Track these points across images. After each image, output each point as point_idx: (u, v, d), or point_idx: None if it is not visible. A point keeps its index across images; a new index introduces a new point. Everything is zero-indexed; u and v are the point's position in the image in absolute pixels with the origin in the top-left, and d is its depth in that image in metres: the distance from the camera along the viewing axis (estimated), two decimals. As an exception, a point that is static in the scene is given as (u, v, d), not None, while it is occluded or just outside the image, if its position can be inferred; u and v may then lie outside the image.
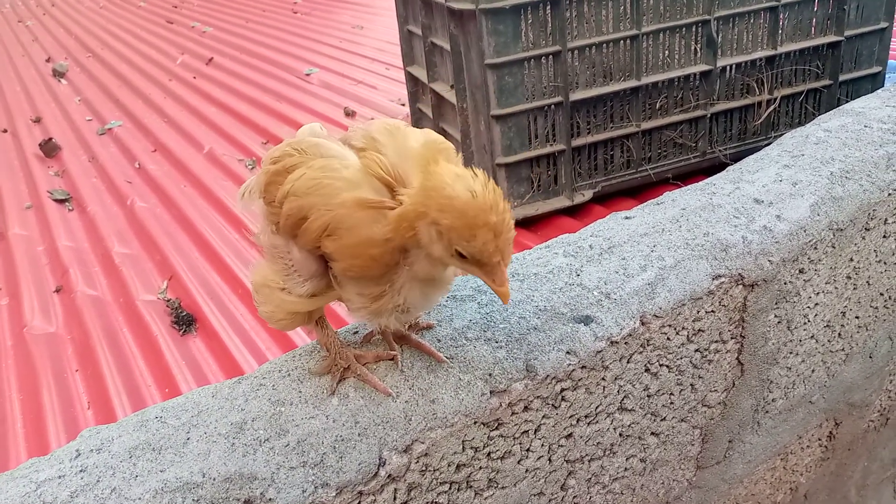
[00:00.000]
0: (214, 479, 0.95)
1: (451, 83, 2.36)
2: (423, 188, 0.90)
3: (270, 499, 0.96)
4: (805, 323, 1.62)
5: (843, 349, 1.79)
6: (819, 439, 1.99)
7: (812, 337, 1.66)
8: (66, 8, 8.35)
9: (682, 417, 1.49)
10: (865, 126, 1.73)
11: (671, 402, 1.44)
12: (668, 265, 1.35)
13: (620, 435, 1.38)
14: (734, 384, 1.54)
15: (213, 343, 2.09)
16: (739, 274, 1.39)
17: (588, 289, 1.29)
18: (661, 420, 1.45)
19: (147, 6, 7.88)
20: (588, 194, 2.37)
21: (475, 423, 1.11)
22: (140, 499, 0.92)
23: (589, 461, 1.35)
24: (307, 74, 4.55)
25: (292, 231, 0.96)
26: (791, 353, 1.64)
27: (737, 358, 1.51)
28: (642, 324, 1.29)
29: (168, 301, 2.30)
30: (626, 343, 1.27)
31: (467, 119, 2.30)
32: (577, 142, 2.27)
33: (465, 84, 2.25)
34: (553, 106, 2.21)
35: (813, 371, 1.75)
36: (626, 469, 1.45)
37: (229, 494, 0.95)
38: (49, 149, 3.76)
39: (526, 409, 1.18)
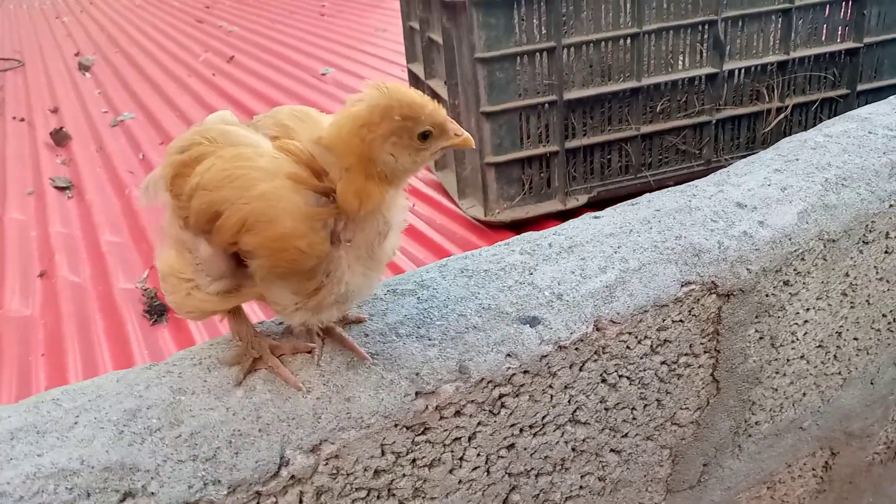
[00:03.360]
0: (93, 468, 0.88)
1: (446, 79, 2.28)
2: (371, 107, 0.85)
3: (153, 493, 0.88)
4: (793, 341, 1.49)
5: (839, 373, 1.66)
6: (813, 469, 1.85)
7: (802, 357, 1.54)
8: (103, 5, 8.52)
9: (647, 435, 1.37)
10: (870, 132, 1.61)
11: (633, 418, 1.33)
12: (631, 268, 1.24)
13: (573, 450, 1.28)
14: (709, 402, 1.43)
15: (181, 334, 2.03)
16: (713, 282, 1.28)
17: (539, 288, 1.19)
18: (623, 436, 1.34)
19: (180, 5, 7.98)
20: (583, 199, 2.27)
21: (396, 425, 1.02)
22: (9, 483, 0.85)
23: (536, 476, 1.25)
24: (323, 74, 4.52)
25: (203, 228, 0.88)
26: (777, 372, 1.51)
27: (711, 374, 1.39)
28: (597, 329, 1.18)
29: (145, 290, 2.26)
30: (576, 349, 1.16)
31: (459, 116, 2.22)
32: (571, 143, 2.17)
33: (457, 79, 2.17)
34: (547, 105, 2.12)
35: (804, 394, 1.62)
36: (581, 487, 1.34)
37: (108, 485, 0.88)
38: (59, 138, 3.77)
39: (458, 413, 1.08)
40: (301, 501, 0.99)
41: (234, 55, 5.37)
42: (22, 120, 4.29)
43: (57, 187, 3.23)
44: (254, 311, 1.77)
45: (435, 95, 2.49)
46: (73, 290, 2.35)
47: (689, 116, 2.24)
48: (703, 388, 1.39)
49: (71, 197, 3.16)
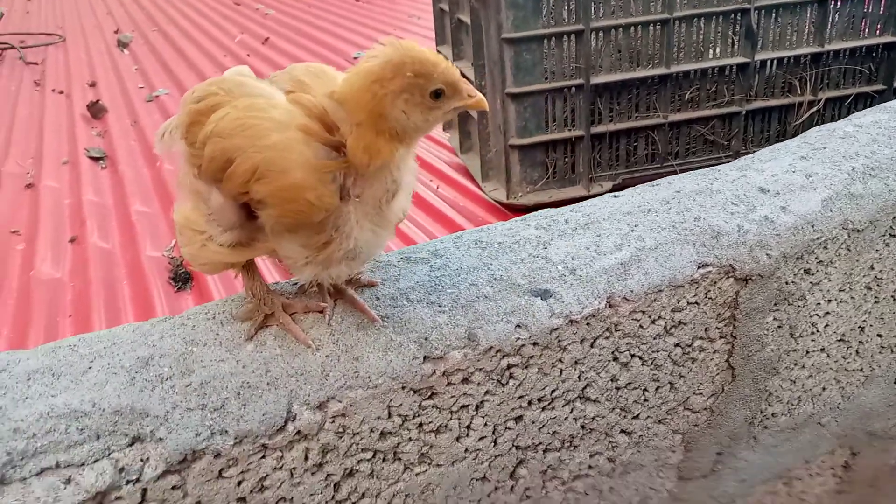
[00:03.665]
0: (104, 411, 0.90)
1: (473, 61, 2.28)
2: (384, 63, 0.86)
3: (160, 438, 0.90)
4: (813, 332, 1.47)
5: (861, 369, 1.63)
6: (832, 468, 1.82)
7: (822, 350, 1.51)
8: (145, -15, 8.64)
9: (658, 418, 1.37)
10: (903, 123, 1.57)
11: (645, 399, 1.32)
12: (647, 246, 1.23)
13: (583, 427, 1.27)
14: (723, 389, 1.41)
15: (205, 301, 2.06)
16: (730, 265, 1.27)
17: (552, 262, 1.19)
18: (633, 417, 1.33)
19: (220, -12, 8.06)
20: (607, 186, 2.25)
21: (403, 388, 1.03)
22: (23, 420, 0.88)
23: (544, 451, 1.25)
24: (355, 58, 4.54)
25: (215, 176, 0.89)
26: (795, 364, 1.49)
27: (727, 360, 1.38)
28: (609, 306, 1.18)
29: (171, 258, 2.29)
30: (587, 324, 1.16)
31: (484, 98, 2.22)
32: (597, 129, 2.16)
33: (484, 60, 2.17)
34: (573, 88, 2.11)
35: (824, 389, 1.59)
36: (590, 467, 1.34)
37: (117, 428, 0.90)
38: (96, 110, 3.85)
39: (465, 381, 1.09)
40: (307, 458, 1.00)
41: (268, 37, 5.41)
42: (61, 92, 4.39)
43: (91, 157, 3.29)
44: (270, 274, 1.79)
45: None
46: (102, 256, 2.40)
47: (718, 106, 2.21)
48: (717, 374, 1.38)
49: (104, 167, 3.22)
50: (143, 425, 0.90)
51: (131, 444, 0.90)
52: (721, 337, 1.34)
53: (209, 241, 0.95)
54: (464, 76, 2.52)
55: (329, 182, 0.86)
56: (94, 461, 0.88)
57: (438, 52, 2.84)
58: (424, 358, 1.04)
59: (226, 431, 0.93)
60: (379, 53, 0.86)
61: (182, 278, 2.16)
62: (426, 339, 1.05)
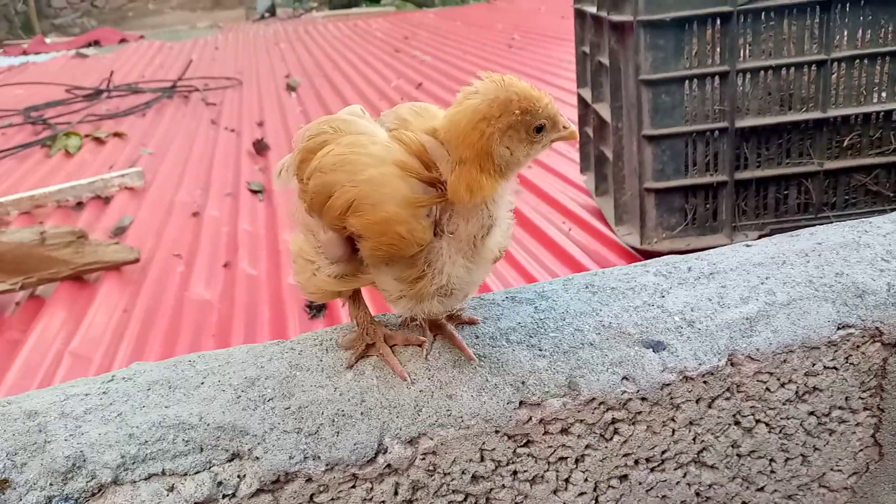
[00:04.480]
0: (208, 425, 0.95)
1: (610, 102, 2.24)
2: (490, 101, 0.87)
3: (257, 457, 0.94)
4: None
5: None
6: None
7: None
8: (315, 34, 9.37)
9: (787, 493, 1.23)
10: None
11: (771, 471, 1.19)
12: (778, 301, 1.13)
13: (697, 494, 1.17)
14: (868, 468, 1.25)
15: (332, 330, 2.15)
16: (877, 328, 1.13)
17: (669, 312, 1.12)
18: (758, 490, 1.21)
19: (382, 36, 8.57)
20: (752, 236, 2.10)
21: (497, 431, 1.00)
22: (137, 427, 0.95)
23: (651, 516, 1.16)
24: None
25: (319, 210, 0.94)
26: (963, 449, 1.29)
27: (872, 435, 1.22)
28: (731, 364, 1.09)
29: (308, 288, 2.42)
30: (705, 382, 1.07)
31: (621, 140, 2.17)
32: (742, 175, 2.04)
33: (621, 102, 2.12)
34: (717, 132, 2.00)
35: None
36: (705, 540, 1.23)
37: (219, 443, 0.94)
38: (260, 147, 4.18)
39: (564, 431, 1.04)
40: (396, 493, 0.99)
41: (422, 82, 5.65)
42: (232, 131, 4.82)
43: (251, 190, 3.57)
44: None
45: (600, 119, 2.46)
46: (249, 282, 2.58)
47: (883, 154, 2.01)
48: (861, 450, 1.22)
49: (262, 200, 3.48)
50: (242, 443, 0.94)
51: (230, 460, 0.94)
52: (865, 409, 1.19)
53: (318, 272, 0.99)
54: (602, 119, 2.48)
55: (422, 217, 0.87)
56: (196, 472, 0.93)
57: (578, 94, 2.82)
58: (520, 403, 1.01)
59: (318, 457, 0.95)
60: (480, 89, 0.87)
61: (317, 307, 2.27)
62: (523, 383, 1.02)
